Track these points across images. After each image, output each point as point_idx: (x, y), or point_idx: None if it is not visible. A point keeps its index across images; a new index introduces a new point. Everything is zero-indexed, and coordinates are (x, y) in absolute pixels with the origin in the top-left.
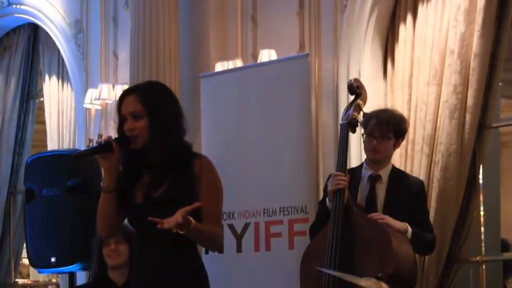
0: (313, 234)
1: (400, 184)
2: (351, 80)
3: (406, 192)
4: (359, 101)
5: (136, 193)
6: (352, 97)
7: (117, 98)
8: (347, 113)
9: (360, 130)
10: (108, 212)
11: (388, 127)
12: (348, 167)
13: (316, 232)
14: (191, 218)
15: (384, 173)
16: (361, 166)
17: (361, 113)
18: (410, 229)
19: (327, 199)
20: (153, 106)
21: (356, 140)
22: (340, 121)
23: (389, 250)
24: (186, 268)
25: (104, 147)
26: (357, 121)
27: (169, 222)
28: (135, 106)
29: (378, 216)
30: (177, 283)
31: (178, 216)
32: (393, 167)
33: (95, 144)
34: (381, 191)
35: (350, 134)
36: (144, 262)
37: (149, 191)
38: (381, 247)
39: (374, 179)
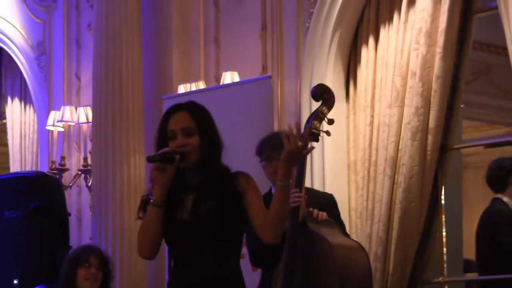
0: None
1: (311, 201)
2: (313, 87)
3: (319, 208)
4: (321, 108)
5: (178, 212)
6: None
7: (164, 114)
8: (308, 122)
9: (325, 139)
10: (154, 229)
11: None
12: (311, 186)
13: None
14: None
15: None
16: (269, 192)
17: (325, 120)
18: None
19: None
20: (204, 124)
21: (318, 158)
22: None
23: (333, 267)
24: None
25: (168, 157)
26: (318, 130)
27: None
28: (187, 122)
29: (317, 214)
30: None
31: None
32: None
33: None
34: None
35: (313, 152)
36: (188, 282)
37: (195, 207)
38: (327, 264)
39: None
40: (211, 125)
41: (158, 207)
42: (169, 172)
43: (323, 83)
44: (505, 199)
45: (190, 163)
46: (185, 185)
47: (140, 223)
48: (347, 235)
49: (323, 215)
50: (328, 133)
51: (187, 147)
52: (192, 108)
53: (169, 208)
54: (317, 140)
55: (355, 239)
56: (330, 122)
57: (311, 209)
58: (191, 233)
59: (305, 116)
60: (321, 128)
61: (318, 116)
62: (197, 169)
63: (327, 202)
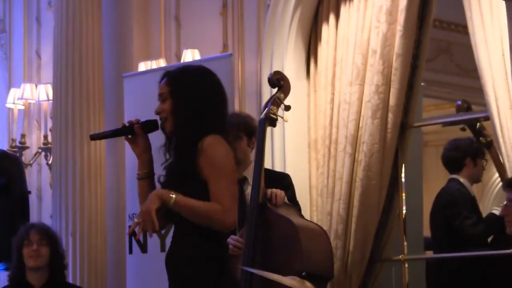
0: None
1: (268, 182)
2: (271, 74)
3: (276, 188)
4: (279, 94)
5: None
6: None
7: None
8: (266, 107)
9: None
10: (142, 201)
11: (238, 127)
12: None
13: None
14: (171, 196)
15: (249, 174)
16: None
17: (282, 107)
18: None
19: None
20: (178, 87)
21: (279, 136)
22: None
23: (297, 247)
24: (194, 258)
25: (124, 129)
26: (276, 115)
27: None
28: (163, 88)
29: (275, 194)
30: (183, 272)
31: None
32: None
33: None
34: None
35: (274, 130)
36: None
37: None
38: (290, 244)
39: (241, 182)
40: (187, 88)
41: (138, 179)
42: (140, 143)
43: (284, 62)
44: (461, 179)
45: (168, 129)
46: None
47: None
48: (302, 217)
49: (279, 198)
50: (285, 119)
51: (162, 113)
52: (171, 74)
53: None
54: (274, 125)
55: (315, 217)
56: (287, 108)
57: (268, 190)
58: None
59: (265, 94)
60: (278, 114)
61: (275, 101)
62: (176, 137)
63: (285, 181)
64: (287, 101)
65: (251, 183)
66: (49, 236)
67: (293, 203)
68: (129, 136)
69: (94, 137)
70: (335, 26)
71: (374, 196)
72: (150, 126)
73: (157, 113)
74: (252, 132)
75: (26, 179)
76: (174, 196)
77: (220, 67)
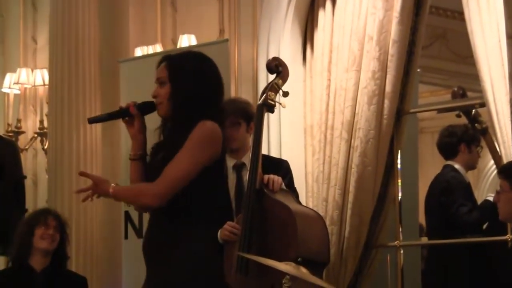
0: None
1: (266, 168)
2: (269, 59)
3: (274, 174)
4: (277, 81)
5: None
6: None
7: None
8: (264, 93)
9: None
10: (134, 181)
11: (236, 114)
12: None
13: None
14: (107, 185)
15: (247, 160)
16: None
17: (280, 93)
18: None
19: None
20: (176, 72)
21: (275, 122)
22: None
23: (293, 233)
24: (174, 242)
25: (121, 112)
26: (274, 101)
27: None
28: (161, 72)
29: (273, 180)
30: (164, 257)
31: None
32: None
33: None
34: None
35: (270, 116)
36: (149, 230)
37: (155, 152)
38: (287, 230)
39: (239, 168)
40: (185, 74)
41: (131, 160)
42: (136, 125)
43: (280, 48)
44: (457, 166)
45: (162, 113)
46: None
47: None
48: (299, 203)
49: (277, 184)
50: (283, 105)
51: (158, 97)
52: (171, 58)
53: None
54: (272, 111)
55: (311, 203)
56: (285, 94)
57: (265, 176)
58: (148, 177)
59: (261, 79)
60: (276, 100)
61: (273, 87)
62: (171, 120)
63: (283, 168)
64: (284, 87)
65: (248, 168)
66: (62, 224)
67: (291, 189)
68: (126, 118)
69: (92, 121)
70: (331, 12)
71: (370, 182)
72: (146, 107)
73: (154, 96)
74: (251, 118)
75: (22, 164)
76: (111, 190)
77: (216, 52)
